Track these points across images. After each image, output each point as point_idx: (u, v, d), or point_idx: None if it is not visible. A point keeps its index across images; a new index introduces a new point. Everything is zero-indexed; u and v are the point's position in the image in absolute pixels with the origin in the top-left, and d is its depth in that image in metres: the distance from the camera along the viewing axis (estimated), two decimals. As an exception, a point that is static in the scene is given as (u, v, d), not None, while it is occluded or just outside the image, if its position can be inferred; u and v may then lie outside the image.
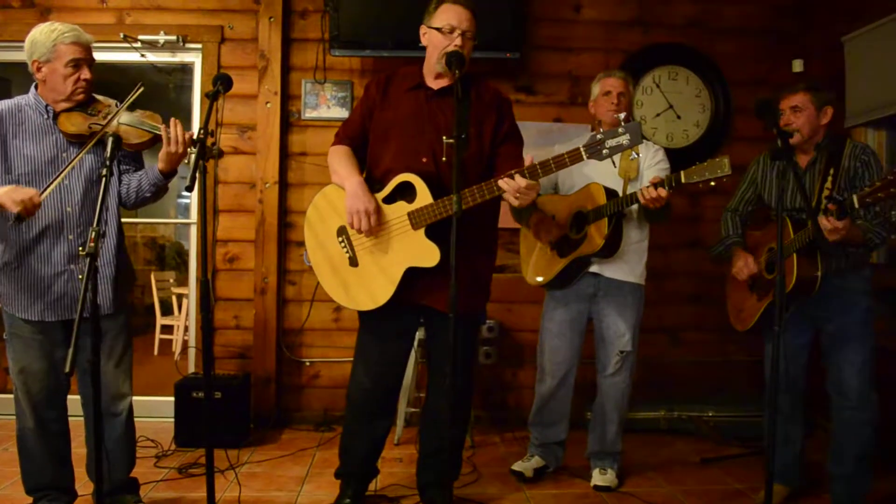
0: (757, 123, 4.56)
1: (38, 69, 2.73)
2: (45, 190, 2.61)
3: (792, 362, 3.11)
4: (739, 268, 3.21)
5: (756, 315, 3.15)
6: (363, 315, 3.04)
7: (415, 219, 2.78)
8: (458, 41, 2.81)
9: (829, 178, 2.97)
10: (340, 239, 2.93)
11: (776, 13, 4.85)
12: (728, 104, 4.79)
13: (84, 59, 2.74)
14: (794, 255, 2.90)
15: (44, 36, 2.70)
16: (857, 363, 2.98)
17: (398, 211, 2.82)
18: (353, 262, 2.90)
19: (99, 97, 2.85)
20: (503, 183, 2.62)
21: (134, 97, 2.80)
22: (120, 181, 2.89)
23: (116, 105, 2.81)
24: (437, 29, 2.85)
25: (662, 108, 4.78)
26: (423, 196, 2.77)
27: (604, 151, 2.55)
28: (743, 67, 4.81)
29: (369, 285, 2.87)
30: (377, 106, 2.98)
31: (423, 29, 2.94)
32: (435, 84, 2.94)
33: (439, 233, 2.75)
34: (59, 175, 2.65)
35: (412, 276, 2.81)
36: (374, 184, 2.89)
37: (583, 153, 2.58)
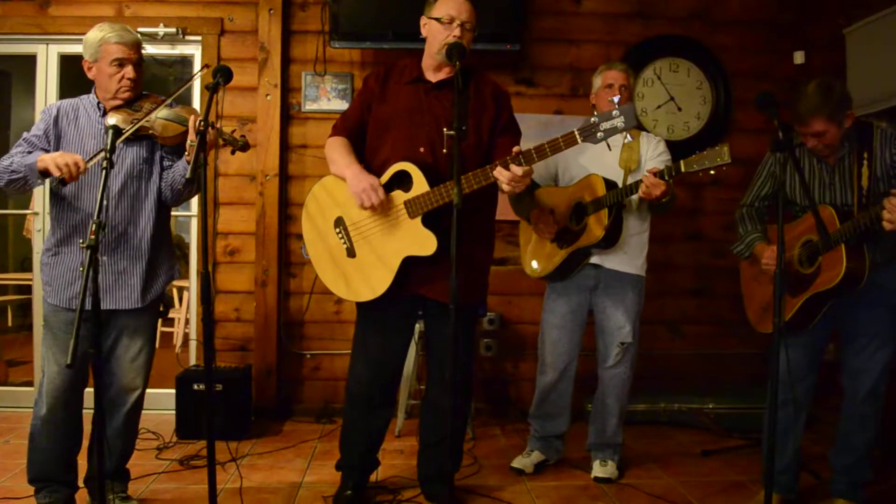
0: (758, 116, 4.56)
1: (89, 69, 2.86)
2: (91, 159, 2.69)
3: (803, 380, 3.02)
4: (770, 259, 2.99)
5: (789, 313, 2.94)
6: (361, 306, 3.04)
7: (411, 207, 2.79)
8: (457, 31, 2.83)
9: (865, 164, 2.86)
10: (338, 230, 2.94)
11: (777, 5, 4.84)
12: (729, 96, 4.78)
13: (128, 58, 2.82)
14: (843, 247, 2.77)
15: (92, 36, 2.83)
16: (879, 366, 2.92)
17: (395, 200, 2.83)
18: (351, 252, 2.91)
19: (151, 95, 2.92)
20: (497, 173, 2.63)
21: (173, 97, 2.88)
22: (161, 177, 2.94)
23: (163, 101, 2.87)
24: (437, 19, 2.87)
25: (663, 99, 4.77)
26: (420, 184, 2.78)
27: (598, 134, 2.55)
28: (744, 59, 4.80)
29: (367, 275, 2.88)
30: (376, 99, 2.99)
31: (423, 20, 2.96)
32: (434, 77, 2.95)
33: (436, 223, 2.77)
34: (102, 150, 2.66)
35: (410, 267, 2.82)
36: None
37: (577, 136, 2.59)
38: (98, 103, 2.88)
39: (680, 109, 4.78)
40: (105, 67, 2.80)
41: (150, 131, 2.82)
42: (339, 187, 2.92)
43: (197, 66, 4.65)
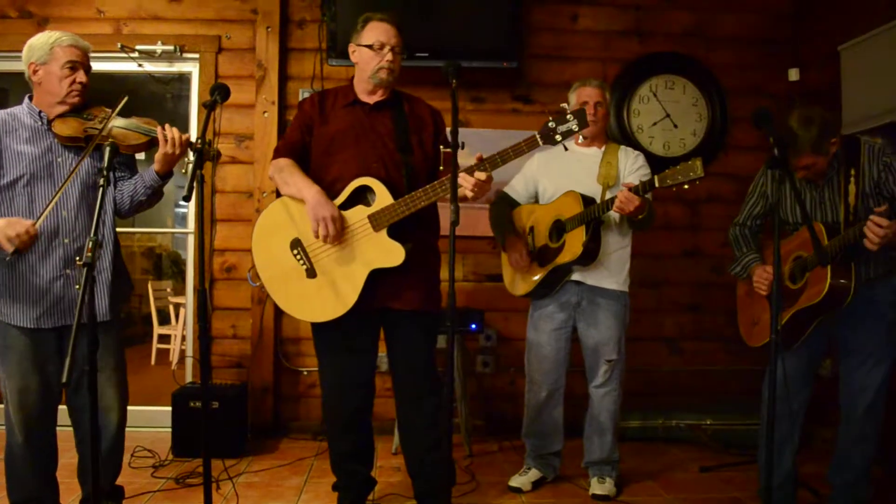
0: (754, 132, 4.58)
1: (35, 72, 2.76)
2: (39, 218, 2.60)
3: (798, 394, 3.02)
4: (760, 277, 3.06)
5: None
6: (320, 329, 3.02)
7: (376, 220, 2.83)
8: (388, 56, 2.93)
9: (852, 181, 2.88)
10: (295, 251, 2.92)
11: (772, 22, 4.87)
12: (725, 113, 4.80)
13: (80, 62, 2.77)
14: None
15: (41, 40, 2.76)
16: (876, 383, 2.92)
17: (357, 215, 2.85)
18: (311, 273, 2.90)
19: (94, 105, 2.84)
20: (462, 179, 2.69)
21: (124, 101, 2.79)
22: (115, 188, 2.89)
23: (111, 111, 2.80)
24: (368, 46, 2.94)
25: (659, 116, 4.79)
26: (383, 198, 2.82)
27: (556, 137, 2.72)
28: (739, 76, 4.83)
29: (331, 294, 2.87)
30: (316, 122, 3.03)
31: (351, 47, 3.02)
32: (369, 99, 3.01)
33: (397, 235, 2.82)
34: (52, 200, 2.63)
35: (373, 281, 2.84)
36: None
37: (538, 139, 2.73)
38: (40, 112, 2.78)
39: (676, 126, 4.80)
40: (56, 70, 2.73)
41: (111, 140, 2.67)
42: (293, 208, 2.92)
43: (195, 83, 4.66)
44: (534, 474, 3.62)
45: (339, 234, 2.82)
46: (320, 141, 3.00)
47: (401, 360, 3.06)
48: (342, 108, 3.02)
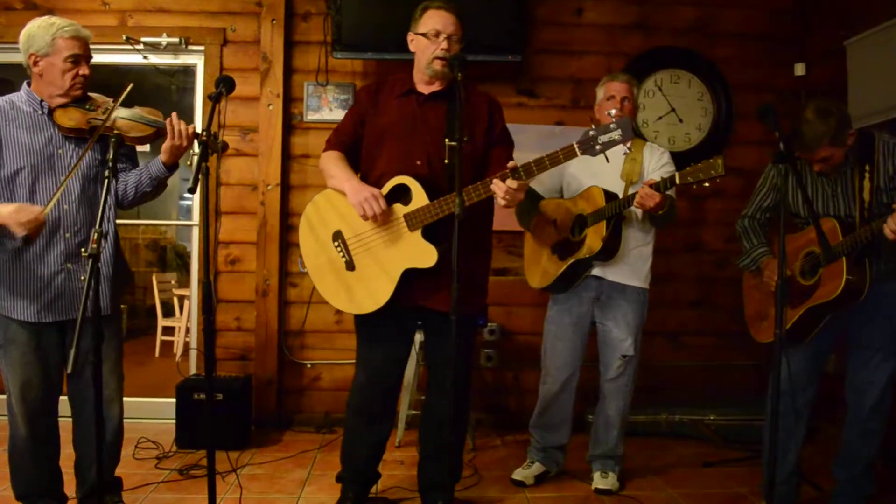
0: (759, 127, 4.58)
1: (35, 63, 2.71)
2: (48, 206, 2.59)
3: (804, 390, 3.01)
4: (774, 271, 2.99)
5: (787, 325, 2.89)
6: (359, 319, 3.04)
7: (411, 220, 2.81)
8: (444, 45, 2.87)
9: (867, 176, 2.86)
10: (336, 244, 2.94)
11: (778, 17, 4.85)
12: (730, 108, 4.78)
13: (83, 54, 2.73)
14: (843, 260, 2.76)
15: (42, 30, 2.69)
16: (883, 379, 2.92)
17: (395, 213, 2.84)
18: (350, 265, 2.92)
19: (94, 95, 2.82)
20: (494, 186, 2.66)
21: (128, 91, 2.75)
22: (116, 180, 2.86)
23: (113, 102, 2.76)
24: (423, 34, 2.90)
25: (665, 111, 4.78)
26: (419, 198, 2.80)
27: (597, 147, 2.59)
28: (745, 71, 4.81)
29: (367, 288, 2.89)
30: (369, 112, 3.01)
31: (410, 36, 2.99)
32: (425, 89, 2.98)
33: (435, 234, 2.79)
34: (58, 189, 2.63)
35: (409, 278, 2.83)
36: None
37: (577, 149, 2.63)
38: (41, 101, 2.74)
39: (681, 121, 4.78)
40: (59, 63, 2.67)
41: (116, 131, 2.69)
42: (338, 201, 2.93)
43: (200, 75, 4.66)
44: (537, 468, 3.63)
45: (385, 212, 2.80)
46: (371, 132, 2.99)
47: (433, 360, 3.10)
48: (396, 97, 2.99)
